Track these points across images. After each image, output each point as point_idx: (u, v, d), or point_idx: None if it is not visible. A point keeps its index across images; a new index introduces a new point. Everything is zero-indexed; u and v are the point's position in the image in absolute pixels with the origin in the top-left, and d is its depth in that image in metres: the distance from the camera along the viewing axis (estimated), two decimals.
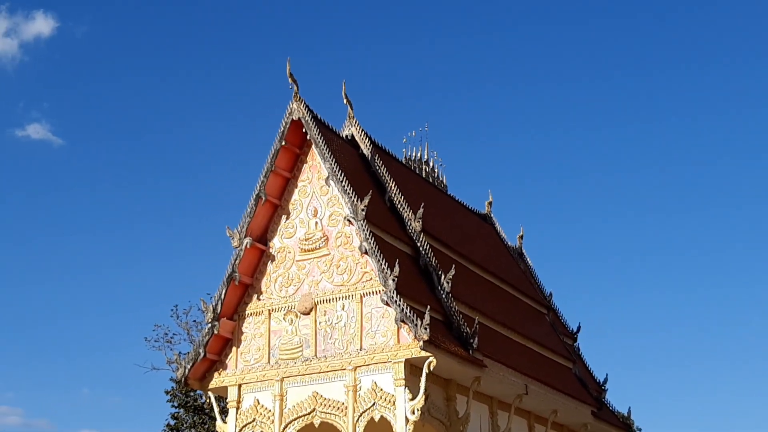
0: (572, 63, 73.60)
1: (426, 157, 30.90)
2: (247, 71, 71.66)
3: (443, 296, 23.61)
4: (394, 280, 21.67)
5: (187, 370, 23.83)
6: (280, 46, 70.34)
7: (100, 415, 64.58)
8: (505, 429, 25.29)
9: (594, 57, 73.32)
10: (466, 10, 73.62)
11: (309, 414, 22.55)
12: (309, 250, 23.59)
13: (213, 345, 23.86)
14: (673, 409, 66.50)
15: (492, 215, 34.77)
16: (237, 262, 23.71)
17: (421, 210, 24.89)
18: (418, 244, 24.57)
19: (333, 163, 23.47)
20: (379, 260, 22.06)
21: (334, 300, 22.94)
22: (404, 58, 73.11)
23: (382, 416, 21.69)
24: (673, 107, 72.51)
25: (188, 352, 24.16)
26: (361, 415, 21.86)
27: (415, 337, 21.18)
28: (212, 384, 24.06)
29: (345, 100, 26.95)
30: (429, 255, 24.35)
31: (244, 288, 24.10)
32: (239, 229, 23.85)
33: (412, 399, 21.33)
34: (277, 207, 24.33)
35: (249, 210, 23.92)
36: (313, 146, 23.98)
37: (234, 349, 23.96)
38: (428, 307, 21.70)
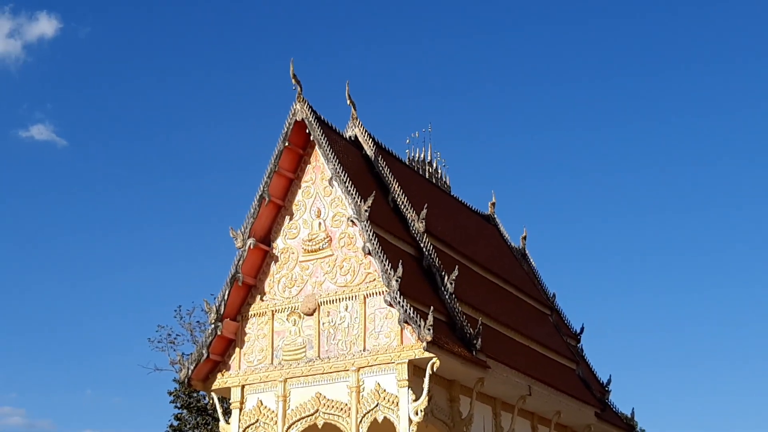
0: (574, 64, 73.62)
1: (429, 157, 30.91)
2: (250, 72, 71.77)
3: (446, 297, 23.59)
4: (397, 280, 21.65)
5: (190, 371, 23.83)
6: (284, 47, 70.41)
7: (103, 416, 64.69)
8: (509, 430, 25.27)
9: (596, 57, 73.36)
10: (468, 11, 73.64)
11: (312, 415, 22.54)
12: (312, 251, 23.59)
13: (216, 346, 23.86)
14: (677, 410, 66.50)
15: (495, 216, 34.75)
16: (240, 262, 23.71)
17: (425, 211, 24.87)
18: (422, 245, 24.55)
19: (336, 164, 23.46)
20: (382, 261, 22.04)
21: (338, 301, 22.93)
22: (407, 59, 73.16)
23: (385, 417, 21.67)
24: (675, 107, 72.53)
25: (191, 353, 24.16)
26: (364, 416, 21.85)
27: (419, 338, 21.17)
28: (215, 385, 24.06)
29: (348, 101, 26.95)
30: (432, 256, 24.34)
31: (248, 289, 24.10)
32: (243, 229, 23.85)
33: (416, 400, 21.32)
34: (280, 208, 24.33)
35: (252, 211, 23.92)
36: (317, 147, 23.98)
37: (237, 350, 23.96)
38: (431, 307, 21.68)
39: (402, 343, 21.76)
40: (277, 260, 24.01)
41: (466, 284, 25.06)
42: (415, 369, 21.68)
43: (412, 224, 24.84)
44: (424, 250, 24.48)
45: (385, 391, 21.75)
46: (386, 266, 21.93)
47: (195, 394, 36.18)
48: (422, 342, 21.07)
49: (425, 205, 25.11)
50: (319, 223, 23.77)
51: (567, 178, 72.48)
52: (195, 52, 72.29)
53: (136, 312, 65.86)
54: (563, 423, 28.19)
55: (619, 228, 71.77)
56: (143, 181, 69.38)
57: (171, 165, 70.58)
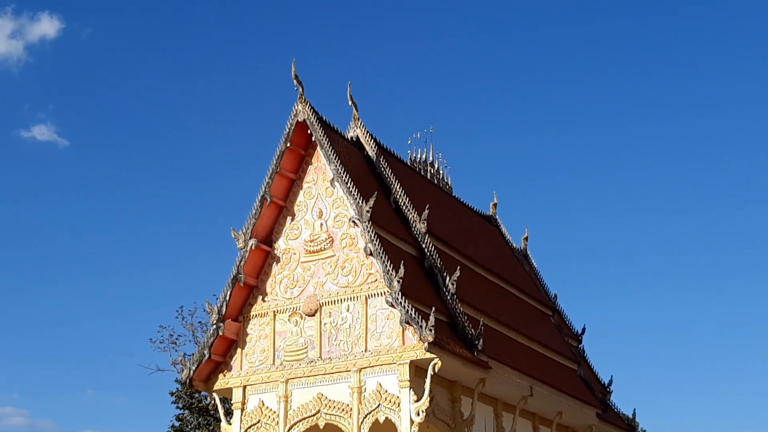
0: (575, 64, 73.61)
1: (431, 158, 30.92)
2: (252, 73, 71.78)
3: (448, 298, 23.60)
4: (399, 281, 21.66)
5: (191, 372, 23.85)
6: (285, 47, 70.44)
7: (105, 416, 64.71)
8: (510, 431, 25.28)
9: (597, 58, 73.35)
10: (469, 11, 73.66)
11: (314, 415, 22.55)
12: (314, 252, 23.60)
13: (218, 346, 23.87)
14: (678, 410, 66.48)
15: (497, 217, 34.76)
16: (242, 263, 23.73)
17: (426, 211, 24.88)
18: (423, 246, 24.56)
19: (338, 165, 23.48)
20: (384, 262, 22.06)
21: (339, 301, 22.95)
22: (409, 60, 73.17)
23: (386, 418, 21.69)
24: (676, 107, 72.52)
25: (193, 354, 24.18)
26: (365, 416, 21.86)
27: (420, 338, 21.18)
28: (217, 385, 24.08)
29: (350, 102, 26.99)
30: (434, 256, 24.35)
31: (249, 289, 24.12)
32: (244, 230, 23.86)
33: (417, 400, 21.33)
34: (282, 208, 24.35)
35: (254, 211, 23.93)
36: (318, 148, 23.99)
37: (239, 350, 23.98)
38: (433, 308, 21.69)
39: (403, 343, 21.77)
40: (278, 261, 24.02)
41: (468, 285, 25.07)
42: (417, 370, 21.69)
43: (413, 225, 24.85)
44: (426, 250, 24.49)
45: (386, 391, 21.76)
46: (388, 267, 21.94)
47: (196, 395, 36.18)
48: (424, 343, 21.08)
49: (427, 206, 25.11)
50: (321, 224, 23.79)
51: (568, 178, 72.53)
52: (197, 52, 72.38)
53: (137, 312, 65.95)
54: (564, 424, 28.20)
55: (620, 228, 71.80)
56: (145, 181, 69.48)
57: (172, 165, 70.67)
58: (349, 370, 22.30)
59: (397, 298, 21.62)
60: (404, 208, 25.18)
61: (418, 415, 21.20)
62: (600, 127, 72.72)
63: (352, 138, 26.78)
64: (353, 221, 23.07)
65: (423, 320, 21.17)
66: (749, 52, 70.47)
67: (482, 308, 24.94)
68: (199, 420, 36.45)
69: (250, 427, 23.36)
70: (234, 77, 72.36)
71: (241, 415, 23.56)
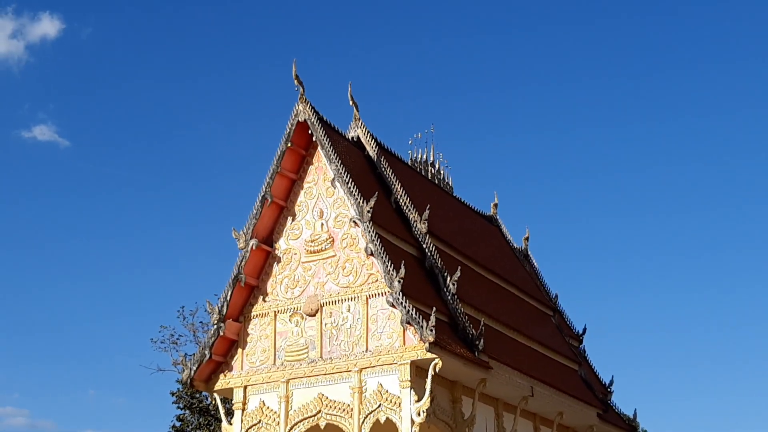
0: (576, 64, 73.59)
1: (432, 158, 30.91)
2: (252, 73, 71.77)
3: (449, 298, 23.60)
4: (399, 281, 21.66)
5: (192, 372, 23.85)
6: (286, 47, 70.44)
7: (106, 416, 64.72)
8: (511, 431, 25.27)
9: (598, 58, 73.33)
10: (470, 11, 73.65)
11: (314, 416, 22.55)
12: (315, 252, 23.60)
13: (219, 346, 23.87)
14: (679, 411, 66.45)
15: (498, 217, 34.76)
16: (243, 263, 23.73)
17: (427, 212, 24.88)
18: (424, 246, 24.56)
19: (339, 165, 23.48)
20: (384, 262, 22.06)
21: (340, 302, 22.95)
22: (410, 60, 73.17)
23: (387, 418, 21.69)
24: (677, 107, 72.49)
25: (194, 354, 24.18)
26: (366, 416, 21.86)
27: (421, 338, 21.18)
28: (218, 385, 24.08)
29: (351, 102, 26.99)
30: (435, 257, 24.35)
31: (250, 289, 24.12)
32: (245, 230, 23.86)
33: (418, 401, 21.32)
34: (282, 208, 24.35)
35: (255, 211, 23.94)
36: (319, 148, 24.00)
37: (240, 350, 23.98)
38: (434, 308, 21.70)
39: (404, 343, 21.77)
40: (279, 261, 24.02)
41: (469, 285, 25.07)
42: (418, 370, 21.69)
43: (414, 225, 24.85)
44: (427, 251, 24.49)
45: (387, 391, 21.76)
46: (389, 267, 21.94)
47: (197, 395, 36.18)
48: (424, 343, 21.08)
49: (428, 206, 25.11)
50: (322, 224, 23.79)
51: (569, 178, 72.49)
52: (197, 53, 72.37)
53: (138, 312, 65.94)
54: (565, 424, 28.19)
55: (621, 229, 71.76)
56: (146, 181, 69.48)
57: (173, 166, 70.68)
58: (349, 371, 22.30)
59: (398, 299, 21.62)
60: (405, 208, 25.18)
61: (419, 415, 21.19)
62: (600, 127, 72.75)
63: (352, 138, 26.78)
64: (354, 221, 23.07)
65: (424, 320, 21.17)
66: (749, 52, 70.51)
67: (483, 308, 24.94)
68: (200, 420, 36.44)
69: (250, 428, 23.36)
70: (235, 77, 72.41)
71: (242, 415, 23.57)
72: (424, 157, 30.57)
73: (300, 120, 24.09)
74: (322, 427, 22.58)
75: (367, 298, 22.59)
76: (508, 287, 29.20)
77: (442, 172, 31.26)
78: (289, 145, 24.03)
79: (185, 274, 65.99)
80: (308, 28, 72.74)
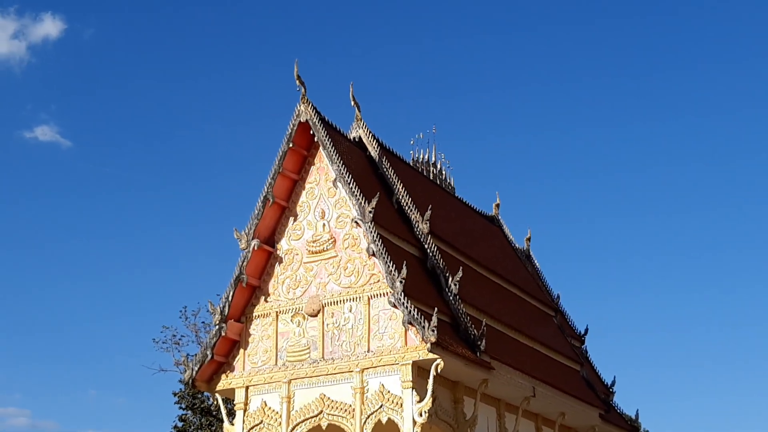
0: (578, 64, 73.59)
1: (433, 159, 30.91)
2: (254, 73, 71.80)
3: (451, 298, 23.59)
4: (401, 282, 21.66)
5: (194, 372, 23.85)
6: (288, 48, 70.42)
7: (107, 416, 64.73)
8: (513, 431, 25.26)
9: (599, 58, 73.31)
10: (471, 11, 73.64)
11: (316, 416, 22.55)
12: (316, 252, 23.60)
13: (220, 347, 23.87)
14: (681, 411, 66.40)
15: (499, 217, 34.75)
16: (244, 264, 23.73)
17: (429, 212, 24.88)
18: (426, 246, 24.56)
19: (340, 165, 23.48)
20: (386, 262, 22.05)
21: (342, 302, 22.94)
22: (411, 60, 73.17)
23: (389, 418, 21.68)
24: (678, 107, 72.47)
25: (196, 354, 24.19)
26: (368, 417, 21.85)
27: (423, 339, 21.17)
28: (219, 386, 24.08)
29: (352, 102, 26.98)
30: (436, 257, 24.34)
31: (252, 290, 24.12)
32: (247, 230, 23.86)
33: (420, 401, 21.32)
34: (284, 209, 24.36)
35: (257, 212, 23.94)
36: (321, 148, 23.99)
37: (241, 351, 23.98)
38: (436, 309, 21.69)
39: (406, 344, 21.77)
40: (281, 261, 24.02)
41: (470, 285, 25.06)
42: (420, 370, 21.68)
43: (416, 225, 24.85)
44: (429, 251, 24.48)
45: (389, 392, 21.76)
46: (390, 267, 21.94)
47: (199, 395, 36.19)
48: (426, 343, 21.08)
49: (429, 207, 25.11)
50: (324, 225, 23.79)
51: (571, 179, 72.47)
52: (199, 53, 72.39)
53: (140, 313, 65.95)
54: (567, 424, 28.18)
55: (623, 229, 71.73)
56: (147, 182, 69.51)
57: (175, 166, 70.70)
58: (351, 371, 22.30)
59: (400, 299, 21.61)
60: (407, 208, 25.17)
61: (421, 415, 21.18)
62: (602, 127, 72.74)
63: (354, 138, 26.78)
64: (356, 222, 23.07)
65: (425, 321, 21.16)
66: (750, 51, 70.48)
67: (485, 309, 24.93)
68: (202, 420, 36.44)
69: (252, 428, 23.35)
70: (236, 78, 72.43)
71: (244, 415, 23.56)
72: (426, 157, 30.57)
73: (302, 120, 24.09)
74: (323, 428, 22.58)
75: (368, 299, 22.59)
76: (509, 287, 29.19)
77: (443, 172, 31.26)
78: (290, 145, 24.02)
79: (187, 275, 66.04)
80: (310, 28, 72.80)
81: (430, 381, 21.38)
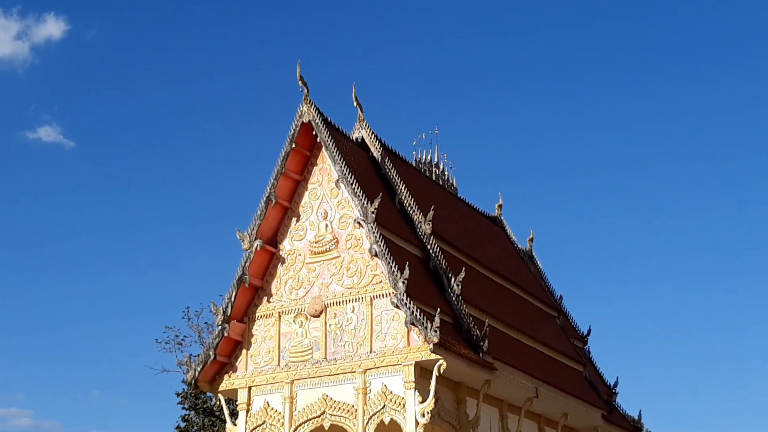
0: (580, 65, 73.57)
1: (436, 159, 30.89)
2: (257, 74, 71.85)
3: (453, 299, 23.59)
4: (404, 282, 21.66)
5: (197, 373, 23.86)
6: (290, 48, 70.45)
7: (110, 417, 64.76)
8: None
9: (602, 59, 73.29)
10: (474, 12, 73.63)
11: (319, 416, 22.55)
12: (319, 253, 23.61)
13: (223, 347, 23.88)
14: (684, 412, 66.36)
15: (502, 218, 34.74)
16: (247, 264, 23.74)
17: (431, 213, 24.88)
18: (428, 247, 24.55)
19: (343, 166, 23.48)
20: (389, 263, 22.05)
21: (344, 302, 22.94)
22: (414, 61, 73.19)
23: (392, 419, 21.68)
24: (682, 108, 72.42)
25: (198, 354, 24.20)
26: (371, 417, 21.86)
27: (425, 339, 21.17)
28: (222, 386, 24.09)
29: (355, 103, 26.97)
30: (439, 257, 24.34)
31: (254, 290, 24.13)
32: (249, 231, 23.87)
33: (422, 402, 21.32)
34: (287, 209, 24.36)
35: (259, 212, 23.94)
36: (323, 149, 24.00)
37: (244, 351, 23.99)
38: (438, 309, 21.68)
39: (409, 344, 21.77)
40: (283, 262, 24.03)
41: (473, 286, 25.06)
42: (422, 371, 21.68)
43: (418, 226, 24.84)
44: (431, 251, 24.48)
45: (391, 392, 21.76)
46: (393, 268, 21.94)
47: (202, 396, 36.20)
48: (429, 344, 21.07)
49: (432, 207, 25.11)
50: (326, 225, 23.79)
51: (574, 179, 72.47)
52: (202, 54, 72.46)
53: (143, 313, 66.06)
54: (570, 425, 28.17)
55: (626, 229, 71.73)
56: (150, 182, 69.59)
57: (178, 167, 70.77)
58: (354, 371, 22.30)
59: (402, 299, 21.61)
60: (409, 209, 25.17)
61: (424, 416, 21.18)
62: (605, 128, 72.71)
63: (357, 139, 26.78)
64: (358, 222, 23.07)
65: (428, 321, 21.16)
66: (754, 52, 70.42)
67: (487, 309, 24.93)
68: (205, 421, 36.46)
69: (255, 428, 23.37)
70: (239, 78, 72.49)
71: (246, 416, 23.58)
72: (429, 158, 30.55)
73: (304, 121, 24.09)
74: (326, 428, 22.58)
75: (371, 299, 22.59)
76: (512, 288, 29.18)
77: (446, 173, 31.25)
78: (293, 146, 24.03)
79: (190, 275, 66.11)
80: (312, 29, 72.84)
81: (433, 381, 21.38)
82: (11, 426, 61.21)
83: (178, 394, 36.86)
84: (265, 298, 24.04)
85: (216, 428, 36.05)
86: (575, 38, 73.48)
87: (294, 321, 23.52)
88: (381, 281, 22.52)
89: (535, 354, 27.01)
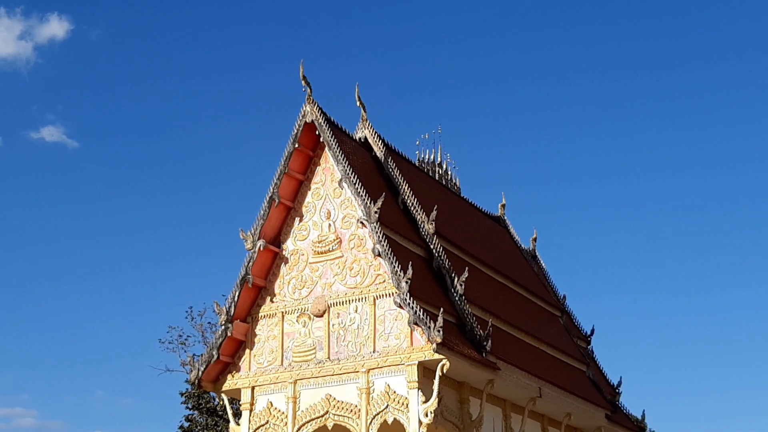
0: (585, 66, 73.50)
1: (439, 159, 30.89)
2: (260, 74, 71.88)
3: (456, 299, 23.58)
4: (407, 282, 21.65)
5: (200, 372, 23.86)
6: (293, 48, 70.49)
7: (114, 417, 64.83)
8: None
9: (607, 60, 73.23)
10: (477, 12, 73.61)
11: (322, 416, 22.55)
12: (322, 253, 23.60)
13: (226, 347, 23.88)
14: (688, 412, 66.30)
15: (505, 217, 34.72)
16: (250, 264, 23.74)
17: (434, 212, 24.87)
18: (431, 247, 24.54)
19: (346, 166, 23.48)
20: (392, 262, 22.05)
21: (347, 302, 22.94)
22: (417, 61, 73.17)
23: (395, 419, 21.67)
24: (688, 109, 72.35)
25: (202, 354, 24.20)
26: (374, 417, 21.85)
27: (429, 339, 21.16)
28: (225, 386, 24.09)
29: (358, 103, 26.96)
30: (442, 257, 24.33)
31: (258, 290, 24.13)
32: (253, 231, 23.87)
33: (426, 401, 21.31)
34: (290, 209, 24.36)
35: (262, 212, 23.95)
36: (327, 148, 24.00)
37: (247, 351, 23.99)
38: (441, 309, 21.67)
39: (412, 344, 21.76)
40: (287, 262, 24.03)
41: (476, 286, 25.05)
42: (425, 370, 21.67)
43: (422, 226, 24.83)
44: (434, 251, 24.47)
45: (395, 392, 21.75)
46: (396, 268, 21.93)
47: (205, 396, 36.22)
48: (432, 343, 21.06)
49: (435, 207, 25.10)
50: (329, 225, 23.79)
51: (577, 179, 72.43)
52: (205, 54, 72.51)
53: (147, 313, 66.13)
54: (573, 425, 28.15)
55: (629, 230, 71.67)
56: (154, 182, 69.65)
57: (181, 166, 70.82)
58: (357, 371, 22.30)
59: (406, 299, 21.60)
60: (412, 208, 25.17)
61: (427, 416, 21.18)
62: (609, 128, 72.68)
63: (360, 139, 26.77)
64: (361, 222, 23.06)
65: (431, 321, 21.15)
66: (759, 53, 70.31)
67: (491, 309, 24.92)
68: (208, 421, 36.48)
69: (258, 428, 23.35)
70: (242, 79, 72.54)
71: (250, 415, 23.57)
72: (432, 157, 30.55)
73: (307, 121, 24.09)
74: (329, 428, 22.57)
75: (374, 299, 22.59)
76: (515, 288, 29.17)
77: (449, 172, 31.24)
78: (296, 145, 24.03)
79: (193, 275, 66.17)
80: (316, 29, 72.85)
81: (436, 381, 21.37)
82: (16, 426, 61.33)
83: (181, 394, 36.89)
84: (268, 298, 24.04)
85: (219, 428, 36.07)
86: (580, 39, 73.48)
87: (297, 321, 23.52)
88: (384, 281, 22.51)
89: (539, 354, 27.00)
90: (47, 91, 70.37)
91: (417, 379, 21.47)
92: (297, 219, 24.25)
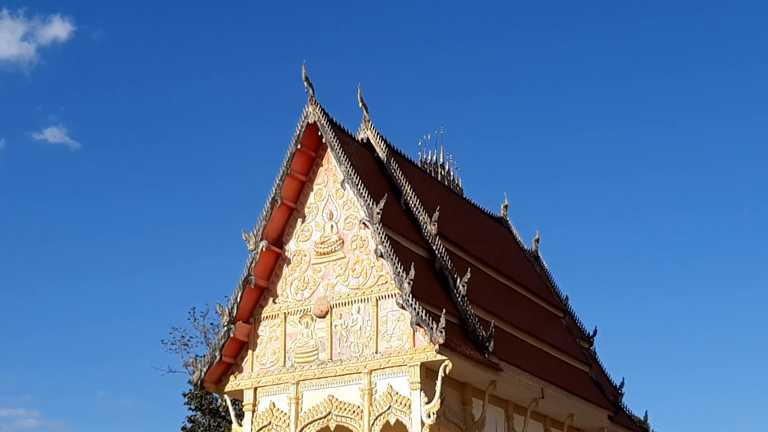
0: (588, 66, 73.46)
1: (441, 160, 30.87)
2: (262, 75, 71.87)
3: (459, 299, 23.58)
4: (409, 283, 21.65)
5: (203, 373, 23.88)
6: (296, 49, 70.43)
7: (117, 417, 64.86)
8: None
9: (610, 60, 73.17)
10: (480, 13, 73.58)
11: (324, 417, 22.55)
12: (324, 254, 23.61)
13: (229, 348, 23.89)
14: (691, 412, 66.23)
15: (508, 218, 34.70)
16: (253, 265, 23.75)
17: (437, 213, 24.87)
18: (434, 248, 24.54)
19: (348, 167, 23.48)
20: (394, 263, 22.05)
21: (350, 303, 22.94)
22: (419, 62, 73.14)
23: (397, 420, 21.67)
24: (691, 109, 72.28)
25: (204, 355, 24.21)
26: (376, 418, 21.85)
27: (431, 340, 21.16)
28: (228, 387, 24.10)
29: (360, 104, 26.98)
30: (444, 258, 24.33)
31: (260, 291, 24.14)
32: (255, 232, 23.88)
33: (428, 402, 21.31)
34: (292, 210, 24.37)
35: (265, 213, 23.95)
36: (329, 149, 24.00)
37: (250, 352, 23.99)
38: (444, 310, 21.67)
39: (414, 345, 21.76)
40: (289, 263, 24.03)
41: (479, 287, 25.04)
42: (428, 371, 21.67)
43: (424, 227, 24.83)
44: (437, 252, 24.47)
45: (397, 393, 21.75)
46: (398, 269, 21.93)
47: (208, 396, 36.23)
48: (434, 344, 21.06)
49: (437, 208, 25.10)
50: (332, 226, 23.79)
51: (580, 180, 72.35)
52: (207, 54, 72.50)
53: (149, 314, 66.08)
54: (576, 426, 28.13)
55: (632, 230, 71.57)
56: (156, 183, 69.66)
57: (184, 167, 70.80)
58: (359, 372, 22.30)
59: (408, 300, 21.60)
60: (415, 209, 25.17)
61: (429, 416, 21.18)
62: (611, 129, 72.58)
63: (362, 140, 26.78)
64: (364, 223, 23.07)
65: (434, 322, 21.15)
66: (759, 53, 70.25)
67: (493, 310, 24.91)
68: (211, 422, 36.48)
69: (261, 429, 23.36)
70: (245, 79, 72.51)
71: (252, 416, 23.58)
72: (434, 158, 30.54)
73: (310, 122, 24.10)
74: (332, 429, 22.57)
75: (377, 300, 22.59)
76: (518, 289, 29.16)
77: (451, 173, 31.22)
78: (298, 146, 24.04)
79: (196, 276, 66.16)
80: (318, 29, 72.83)
81: (439, 382, 21.37)
82: (18, 426, 61.39)
83: (184, 395, 36.90)
84: (271, 299, 24.05)
85: (222, 429, 36.07)
86: (581, 39, 73.42)
87: (300, 322, 23.52)
88: (386, 282, 22.51)
89: (541, 355, 26.99)
90: (50, 93, 70.45)
91: (419, 380, 21.48)
92: (299, 220, 24.26)
